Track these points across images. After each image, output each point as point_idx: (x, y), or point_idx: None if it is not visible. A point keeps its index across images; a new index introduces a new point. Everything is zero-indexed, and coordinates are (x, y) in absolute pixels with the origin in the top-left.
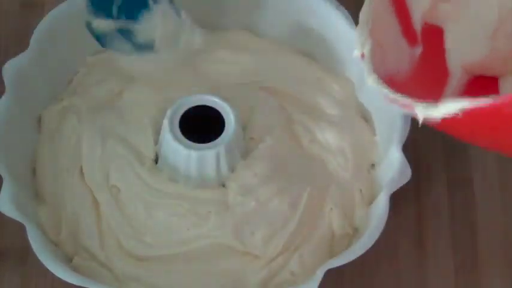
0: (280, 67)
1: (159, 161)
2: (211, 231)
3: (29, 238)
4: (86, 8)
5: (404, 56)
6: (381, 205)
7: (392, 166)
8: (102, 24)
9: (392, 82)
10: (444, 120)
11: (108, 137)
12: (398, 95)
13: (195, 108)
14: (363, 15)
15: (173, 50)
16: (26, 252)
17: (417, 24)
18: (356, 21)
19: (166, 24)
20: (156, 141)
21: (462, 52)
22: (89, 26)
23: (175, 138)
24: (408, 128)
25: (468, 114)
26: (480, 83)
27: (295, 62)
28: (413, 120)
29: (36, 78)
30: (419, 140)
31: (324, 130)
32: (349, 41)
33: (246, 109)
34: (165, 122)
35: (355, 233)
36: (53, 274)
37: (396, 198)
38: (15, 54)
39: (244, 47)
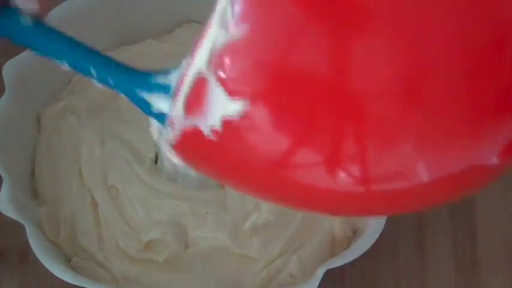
0: None
1: (159, 161)
2: (209, 233)
3: (29, 238)
4: None
5: None
6: None
7: None
8: None
9: None
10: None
11: (108, 137)
12: None
13: None
14: None
15: None
16: (26, 252)
17: None
18: None
19: None
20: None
21: None
22: None
23: None
24: None
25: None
26: None
27: None
28: None
29: (36, 78)
30: None
31: None
32: None
33: None
34: None
35: (355, 233)
36: (52, 274)
37: None
38: (15, 54)
39: None
